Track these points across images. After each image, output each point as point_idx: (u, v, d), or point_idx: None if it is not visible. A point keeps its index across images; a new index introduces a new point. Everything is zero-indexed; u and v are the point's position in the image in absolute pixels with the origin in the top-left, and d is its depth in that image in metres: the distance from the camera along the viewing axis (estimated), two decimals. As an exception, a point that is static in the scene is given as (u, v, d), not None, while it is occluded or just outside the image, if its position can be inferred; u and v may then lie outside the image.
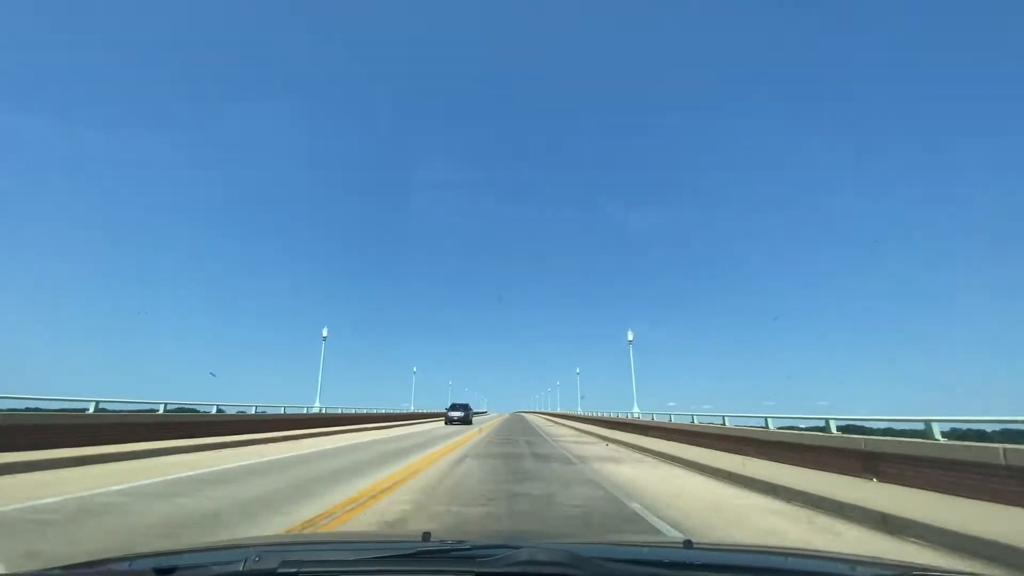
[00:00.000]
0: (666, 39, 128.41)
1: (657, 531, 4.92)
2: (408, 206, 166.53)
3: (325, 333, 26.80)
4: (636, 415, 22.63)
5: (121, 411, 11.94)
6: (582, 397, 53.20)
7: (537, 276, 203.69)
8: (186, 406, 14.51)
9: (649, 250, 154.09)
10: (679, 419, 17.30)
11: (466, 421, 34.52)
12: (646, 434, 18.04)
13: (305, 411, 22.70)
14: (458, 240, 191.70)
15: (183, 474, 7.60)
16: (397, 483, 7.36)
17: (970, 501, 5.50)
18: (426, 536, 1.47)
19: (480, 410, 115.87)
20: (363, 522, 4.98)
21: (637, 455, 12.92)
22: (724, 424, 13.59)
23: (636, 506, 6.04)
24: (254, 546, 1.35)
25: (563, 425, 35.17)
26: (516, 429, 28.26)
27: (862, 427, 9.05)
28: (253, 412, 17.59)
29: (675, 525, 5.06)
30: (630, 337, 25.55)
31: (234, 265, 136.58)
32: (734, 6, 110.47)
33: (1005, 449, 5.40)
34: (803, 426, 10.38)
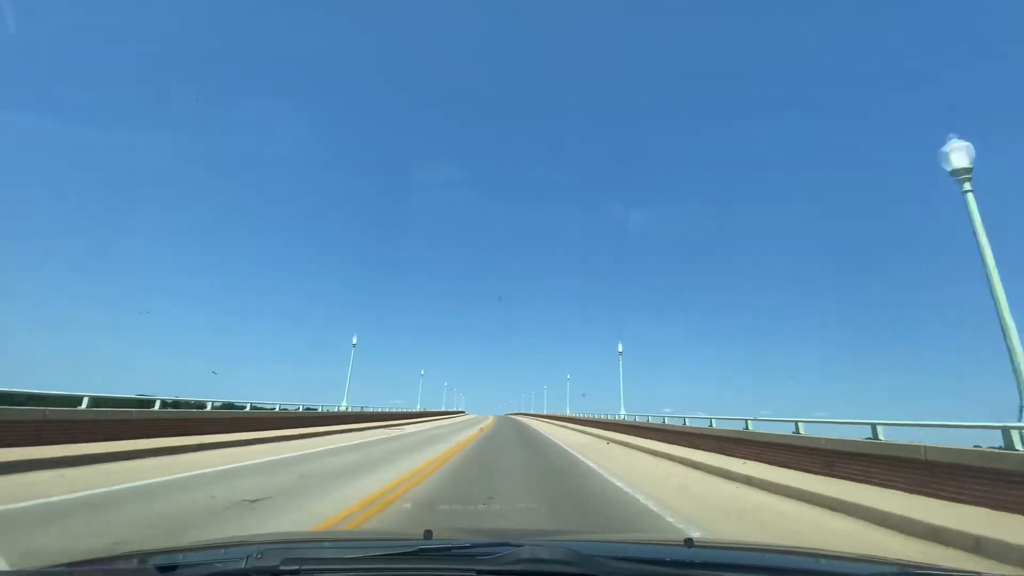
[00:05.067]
0: (667, 37, 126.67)
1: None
2: (406, 203, 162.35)
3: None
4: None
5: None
6: (583, 395, 49.43)
7: (535, 275, 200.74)
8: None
9: (650, 248, 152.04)
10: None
11: None
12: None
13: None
14: (454, 237, 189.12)
15: None
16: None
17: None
18: (428, 534, 1.46)
19: (455, 409, 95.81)
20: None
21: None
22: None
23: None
24: (256, 543, 1.37)
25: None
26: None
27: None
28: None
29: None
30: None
31: (231, 257, 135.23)
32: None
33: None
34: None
